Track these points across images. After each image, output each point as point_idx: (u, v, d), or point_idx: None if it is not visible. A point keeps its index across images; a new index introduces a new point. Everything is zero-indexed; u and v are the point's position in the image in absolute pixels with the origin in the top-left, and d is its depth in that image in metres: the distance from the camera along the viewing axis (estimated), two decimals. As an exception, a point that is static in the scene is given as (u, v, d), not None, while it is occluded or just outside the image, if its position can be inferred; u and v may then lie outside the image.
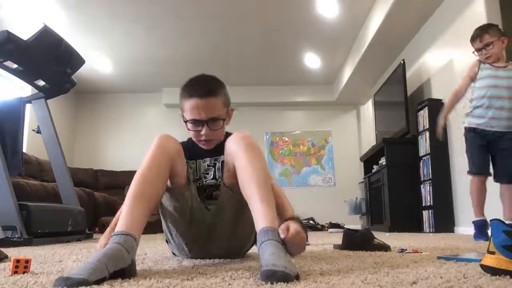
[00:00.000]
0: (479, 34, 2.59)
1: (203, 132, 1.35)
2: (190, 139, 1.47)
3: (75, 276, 0.79)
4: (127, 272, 0.92)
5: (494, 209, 2.55)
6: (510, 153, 2.50)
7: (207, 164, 1.44)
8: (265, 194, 1.08)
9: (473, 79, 2.65)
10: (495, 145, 2.55)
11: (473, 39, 2.63)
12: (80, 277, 0.79)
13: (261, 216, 1.04)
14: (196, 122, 1.34)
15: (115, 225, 1.17)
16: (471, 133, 2.64)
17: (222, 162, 1.39)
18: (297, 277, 0.86)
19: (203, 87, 1.34)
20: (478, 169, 2.58)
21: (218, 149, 1.41)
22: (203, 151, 1.44)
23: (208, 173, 1.44)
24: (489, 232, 2.65)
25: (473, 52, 2.67)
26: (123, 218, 1.03)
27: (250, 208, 1.10)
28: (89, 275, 0.81)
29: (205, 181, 1.43)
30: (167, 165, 1.18)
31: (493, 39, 2.54)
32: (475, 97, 2.63)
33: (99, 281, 0.82)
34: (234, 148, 1.21)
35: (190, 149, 1.43)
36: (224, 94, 1.38)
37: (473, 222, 2.59)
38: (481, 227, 2.54)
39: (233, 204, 1.30)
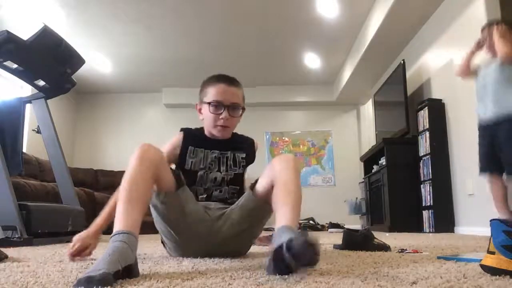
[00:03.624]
0: (487, 25, 2.67)
1: (223, 115, 1.46)
2: (197, 128, 1.57)
3: (95, 273, 0.78)
4: (133, 269, 0.93)
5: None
6: (503, 147, 2.53)
7: (215, 156, 1.51)
8: (295, 203, 1.15)
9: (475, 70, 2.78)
10: (497, 142, 2.57)
11: (482, 29, 2.72)
12: (100, 272, 0.79)
13: (283, 216, 1.11)
14: (219, 105, 1.46)
15: (105, 220, 1.37)
16: (479, 131, 2.70)
17: (227, 157, 1.52)
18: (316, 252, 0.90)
19: (229, 78, 1.50)
20: (480, 169, 2.65)
21: (225, 145, 1.54)
22: (211, 143, 1.52)
23: (212, 165, 1.51)
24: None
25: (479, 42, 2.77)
26: (121, 219, 1.04)
27: (276, 213, 1.16)
28: (108, 266, 0.82)
29: (210, 172, 1.50)
30: (150, 171, 1.19)
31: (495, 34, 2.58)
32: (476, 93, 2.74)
33: (116, 274, 0.82)
34: (279, 167, 1.25)
35: (200, 138, 1.53)
36: (243, 91, 1.55)
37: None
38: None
39: (248, 209, 1.38)
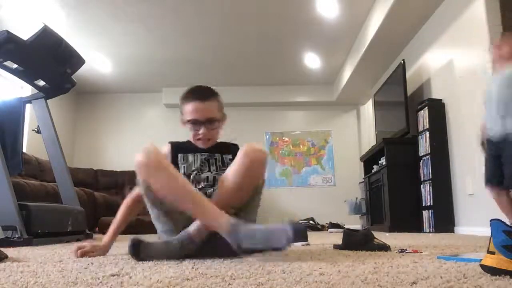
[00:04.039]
0: (507, 35, 2.60)
1: (201, 131, 1.56)
2: (188, 141, 1.67)
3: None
4: None
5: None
6: (507, 160, 2.42)
7: (204, 157, 1.62)
8: (216, 198, 1.36)
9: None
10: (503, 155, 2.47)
11: (494, 43, 2.66)
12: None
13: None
14: (196, 123, 1.56)
15: (117, 227, 1.57)
16: (487, 145, 2.58)
17: (215, 159, 1.63)
18: None
19: (202, 92, 1.59)
20: (485, 180, 2.55)
21: (212, 149, 1.65)
22: (200, 148, 1.63)
23: (203, 166, 1.62)
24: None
25: (489, 49, 2.71)
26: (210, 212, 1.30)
27: None
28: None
29: (201, 173, 1.60)
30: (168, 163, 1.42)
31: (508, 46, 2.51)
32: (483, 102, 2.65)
33: None
34: (236, 158, 1.40)
35: (187, 146, 1.64)
36: (219, 100, 1.63)
37: None
38: None
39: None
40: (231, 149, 1.69)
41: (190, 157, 1.62)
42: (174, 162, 1.60)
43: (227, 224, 1.25)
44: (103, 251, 1.58)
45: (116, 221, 1.60)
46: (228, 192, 1.36)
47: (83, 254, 1.50)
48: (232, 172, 1.39)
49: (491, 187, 2.54)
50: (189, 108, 1.56)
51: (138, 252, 1.29)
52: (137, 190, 1.56)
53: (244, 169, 1.37)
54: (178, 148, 1.64)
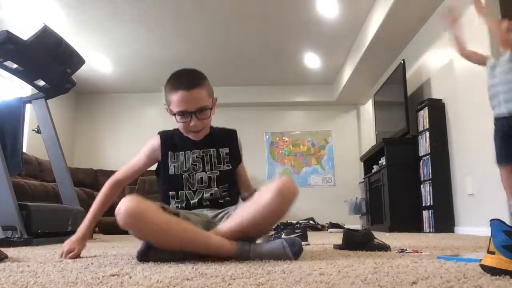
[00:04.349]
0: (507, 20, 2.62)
1: (192, 123, 1.41)
2: (175, 129, 1.52)
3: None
4: None
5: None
6: None
7: (196, 156, 1.48)
8: (233, 228, 1.26)
9: (484, 59, 2.74)
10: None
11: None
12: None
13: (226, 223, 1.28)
14: (185, 114, 1.41)
15: (95, 214, 1.50)
16: (495, 125, 2.65)
17: (210, 155, 1.49)
18: None
19: (188, 79, 1.41)
20: (496, 160, 2.60)
21: (206, 142, 1.50)
22: (191, 143, 1.49)
23: (196, 165, 1.48)
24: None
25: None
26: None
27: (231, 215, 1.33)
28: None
29: (195, 173, 1.47)
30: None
31: None
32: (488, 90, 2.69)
33: None
34: (269, 193, 1.25)
35: (178, 141, 1.50)
36: (207, 84, 1.45)
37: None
38: None
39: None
40: (228, 138, 1.56)
41: (181, 156, 1.48)
42: (164, 157, 1.49)
43: (234, 251, 1.24)
44: (82, 243, 1.50)
45: (93, 208, 1.50)
46: (250, 225, 1.27)
47: (75, 257, 1.45)
48: (261, 206, 1.26)
49: (503, 166, 2.57)
50: (176, 98, 1.39)
51: (147, 255, 1.27)
52: (115, 176, 1.50)
53: (275, 207, 1.26)
54: (169, 143, 1.51)
